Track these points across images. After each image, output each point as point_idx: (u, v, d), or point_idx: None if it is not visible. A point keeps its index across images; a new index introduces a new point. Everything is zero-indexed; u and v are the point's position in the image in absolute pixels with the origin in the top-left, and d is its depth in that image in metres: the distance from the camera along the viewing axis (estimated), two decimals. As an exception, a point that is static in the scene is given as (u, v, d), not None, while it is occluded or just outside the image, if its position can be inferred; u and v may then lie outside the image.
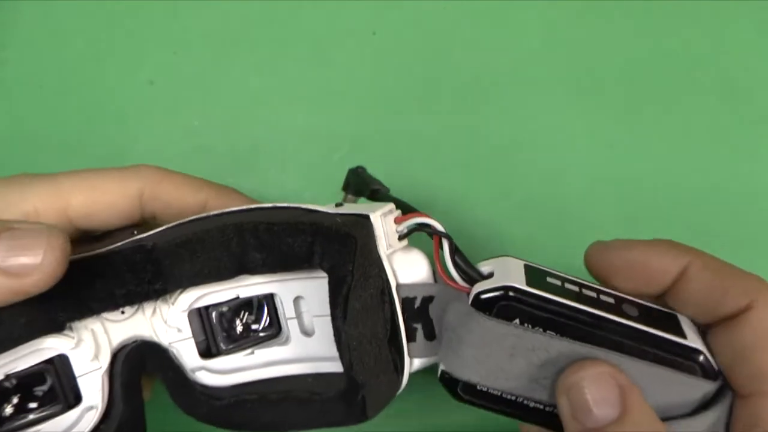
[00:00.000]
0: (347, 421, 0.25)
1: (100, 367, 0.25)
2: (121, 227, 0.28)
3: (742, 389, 0.23)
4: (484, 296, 0.23)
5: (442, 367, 0.24)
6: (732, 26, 0.41)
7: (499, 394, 0.24)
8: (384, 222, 0.24)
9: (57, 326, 0.23)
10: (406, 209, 0.26)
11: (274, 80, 0.42)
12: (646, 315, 0.24)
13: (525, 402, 0.24)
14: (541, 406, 0.24)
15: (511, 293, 0.23)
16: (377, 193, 0.29)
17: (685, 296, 0.24)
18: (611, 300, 0.24)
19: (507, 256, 0.26)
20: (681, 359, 0.22)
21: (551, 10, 0.41)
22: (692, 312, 0.25)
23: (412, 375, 0.25)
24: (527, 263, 0.25)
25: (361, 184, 0.30)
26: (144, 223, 0.29)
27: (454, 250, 0.24)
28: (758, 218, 0.40)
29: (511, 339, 0.22)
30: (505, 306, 0.23)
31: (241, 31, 0.42)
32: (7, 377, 0.23)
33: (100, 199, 0.27)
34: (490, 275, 0.24)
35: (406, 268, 0.25)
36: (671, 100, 0.41)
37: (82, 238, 0.28)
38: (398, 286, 0.24)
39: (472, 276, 0.24)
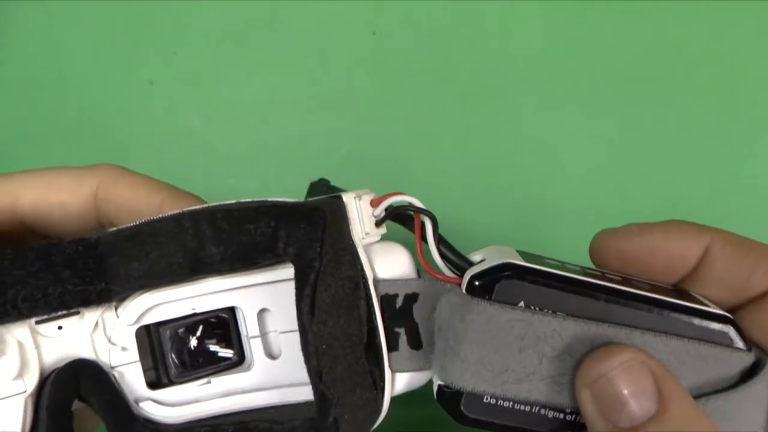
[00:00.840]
0: None
1: (25, 391, 0.20)
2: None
3: None
4: (479, 279, 0.20)
5: (438, 381, 0.21)
6: (732, 26, 0.41)
7: (510, 405, 0.20)
8: (358, 204, 0.21)
9: None
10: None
11: (274, 80, 0.42)
12: (658, 290, 0.21)
13: (542, 412, 0.20)
14: (562, 415, 0.20)
15: (509, 271, 0.20)
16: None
17: (708, 279, 0.22)
18: (617, 277, 0.22)
19: (496, 245, 0.23)
20: (710, 329, 0.20)
21: (551, 11, 0.41)
22: (716, 295, 0.22)
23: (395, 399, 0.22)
24: (520, 250, 0.22)
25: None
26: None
27: (438, 237, 0.21)
28: (758, 218, 0.40)
29: (518, 327, 0.19)
30: (506, 285, 0.19)
31: (241, 31, 0.42)
32: None
33: (51, 197, 0.25)
34: (482, 262, 0.21)
35: (385, 261, 0.22)
36: (671, 99, 0.41)
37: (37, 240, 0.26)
38: (376, 281, 0.21)
39: (460, 265, 0.21)
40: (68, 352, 0.21)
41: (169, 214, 0.21)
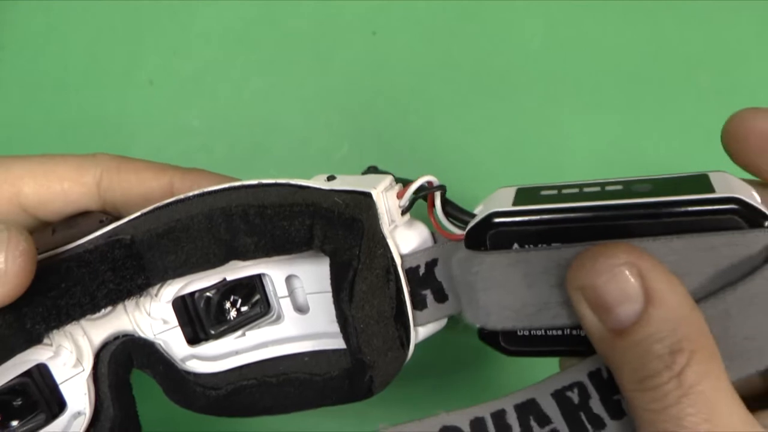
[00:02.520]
0: (351, 400, 0.23)
1: (83, 371, 0.23)
2: (84, 213, 0.26)
3: None
4: (473, 234, 0.21)
5: (476, 324, 0.22)
6: (732, 26, 0.41)
7: (543, 333, 0.21)
8: (386, 198, 0.23)
9: (35, 339, 0.21)
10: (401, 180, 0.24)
11: (274, 80, 0.42)
12: (662, 186, 0.21)
13: (575, 332, 0.21)
14: None
15: (495, 219, 0.21)
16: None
17: None
18: (618, 186, 0.21)
19: (501, 187, 0.24)
20: (712, 216, 0.19)
21: (551, 10, 0.41)
22: None
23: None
24: (521, 186, 0.23)
25: None
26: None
27: (444, 201, 0.23)
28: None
29: (519, 267, 0.20)
30: (495, 234, 0.21)
31: (241, 31, 0.42)
32: None
33: (54, 186, 0.25)
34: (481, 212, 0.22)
35: (406, 237, 0.24)
36: (671, 99, 0.41)
37: (40, 227, 0.26)
38: (401, 257, 0.23)
39: (465, 220, 0.23)
40: (114, 329, 0.23)
41: (199, 210, 0.22)
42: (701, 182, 0.20)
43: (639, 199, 0.20)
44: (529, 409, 0.21)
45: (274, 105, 0.41)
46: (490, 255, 0.21)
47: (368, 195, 0.22)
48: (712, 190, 0.19)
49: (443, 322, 0.24)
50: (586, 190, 0.21)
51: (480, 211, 0.22)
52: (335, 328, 0.23)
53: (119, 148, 0.42)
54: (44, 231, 0.25)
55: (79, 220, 0.25)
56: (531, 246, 0.20)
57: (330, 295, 0.22)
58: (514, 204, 0.21)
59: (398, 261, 0.23)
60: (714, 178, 0.20)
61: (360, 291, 0.22)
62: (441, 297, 0.24)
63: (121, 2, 0.42)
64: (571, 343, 0.21)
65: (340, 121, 0.41)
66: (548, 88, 0.41)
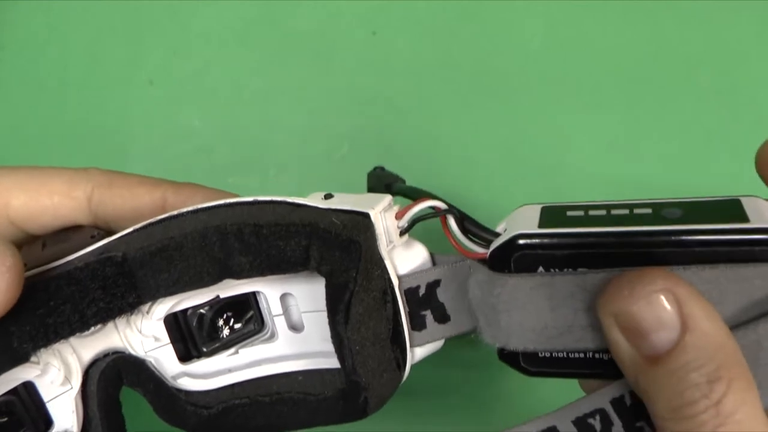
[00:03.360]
0: (345, 420, 0.23)
1: (72, 388, 0.22)
2: (75, 227, 0.25)
3: None
4: (497, 255, 0.21)
5: (496, 344, 0.22)
6: (732, 26, 0.41)
7: (565, 355, 0.21)
8: (384, 218, 0.22)
9: (21, 357, 0.20)
10: (411, 191, 0.24)
11: (274, 80, 0.42)
12: (694, 211, 0.20)
13: (598, 356, 0.20)
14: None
15: (520, 241, 0.20)
16: (391, 188, 0.27)
17: None
18: (647, 210, 0.21)
19: (524, 205, 0.23)
20: (747, 246, 0.18)
21: (551, 10, 0.41)
22: None
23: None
24: (546, 205, 0.23)
25: (381, 186, 0.28)
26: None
27: (462, 219, 0.22)
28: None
29: (543, 290, 0.20)
30: (520, 257, 0.20)
31: (241, 31, 0.42)
32: None
33: (43, 200, 0.24)
34: (503, 234, 0.22)
35: (405, 259, 0.23)
36: (671, 99, 0.41)
37: (28, 240, 0.26)
38: (399, 278, 0.23)
39: (487, 239, 0.22)
40: (104, 346, 0.23)
41: (193, 228, 0.21)
42: (734, 209, 0.20)
43: (669, 226, 0.19)
44: None
45: (274, 105, 0.41)
46: (514, 277, 0.20)
47: (366, 216, 0.22)
48: (746, 219, 0.19)
49: (441, 342, 0.24)
50: (614, 212, 0.21)
51: (503, 230, 0.22)
52: (329, 347, 0.22)
53: (119, 148, 0.42)
54: (34, 245, 0.24)
55: (70, 234, 0.25)
56: (556, 270, 0.20)
57: (325, 314, 0.22)
58: (540, 225, 0.21)
59: (395, 282, 0.22)
60: (747, 205, 0.20)
61: (356, 313, 0.21)
62: (442, 318, 0.23)
63: (121, 2, 0.42)
64: (593, 367, 0.21)
65: (340, 121, 0.41)
66: (548, 88, 0.41)
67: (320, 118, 0.41)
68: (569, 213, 0.21)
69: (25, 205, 0.24)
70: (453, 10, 0.41)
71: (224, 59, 0.42)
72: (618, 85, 0.41)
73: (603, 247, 0.19)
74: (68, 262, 0.21)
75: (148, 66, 0.42)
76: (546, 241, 0.20)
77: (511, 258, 0.20)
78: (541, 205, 0.22)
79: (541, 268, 0.20)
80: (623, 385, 0.20)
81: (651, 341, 0.18)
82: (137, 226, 0.22)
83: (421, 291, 0.23)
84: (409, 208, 0.23)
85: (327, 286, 0.22)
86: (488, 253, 0.21)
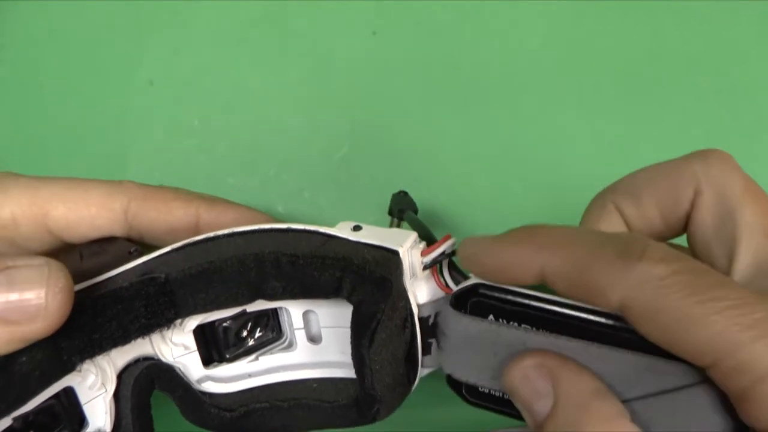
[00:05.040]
0: (354, 425, 0.25)
1: (106, 392, 0.24)
2: (110, 238, 0.27)
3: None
4: (457, 297, 0.23)
5: (445, 371, 0.25)
6: (732, 26, 0.41)
7: (501, 395, 0.24)
8: (410, 255, 0.24)
9: (69, 369, 0.22)
10: (425, 234, 0.26)
11: (274, 80, 0.42)
12: None
13: None
14: None
15: (480, 289, 0.23)
16: (402, 213, 0.30)
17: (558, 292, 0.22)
18: None
19: None
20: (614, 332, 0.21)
21: (551, 10, 0.41)
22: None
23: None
24: None
25: (396, 208, 0.32)
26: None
27: (450, 263, 0.25)
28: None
29: (489, 335, 0.22)
30: (476, 302, 0.23)
31: (241, 31, 0.42)
32: (16, 419, 0.22)
33: (82, 211, 0.26)
34: (468, 278, 0.24)
35: (423, 289, 0.25)
36: (671, 99, 0.41)
37: (63, 249, 0.27)
38: (417, 307, 0.25)
39: (457, 279, 0.25)
40: (136, 353, 0.25)
41: (232, 254, 0.23)
42: None
43: (595, 316, 0.21)
44: None
45: (274, 105, 0.41)
46: (466, 318, 0.23)
47: (396, 253, 0.24)
48: None
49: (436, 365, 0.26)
50: None
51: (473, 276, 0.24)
52: (344, 358, 0.24)
53: (119, 148, 0.42)
54: (71, 255, 0.26)
55: (106, 246, 0.26)
56: (504, 321, 0.22)
57: (343, 329, 0.24)
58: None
59: (416, 311, 0.24)
60: None
61: (380, 338, 0.23)
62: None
63: (121, 2, 0.42)
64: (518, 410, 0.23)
65: (340, 121, 0.41)
66: (548, 88, 0.41)
67: (320, 118, 0.41)
68: None
69: (64, 215, 0.26)
70: (453, 10, 0.41)
71: (224, 59, 0.42)
72: (618, 85, 0.41)
73: (549, 313, 0.22)
74: (112, 279, 0.23)
75: (148, 66, 0.42)
76: (498, 295, 0.22)
77: (468, 302, 0.23)
78: None
79: (491, 316, 0.22)
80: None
81: (534, 412, 0.21)
82: (176, 246, 0.24)
83: (431, 320, 0.25)
84: (433, 249, 0.25)
85: (355, 313, 0.23)
86: (453, 293, 0.24)
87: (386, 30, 0.41)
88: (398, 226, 0.31)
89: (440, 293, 0.25)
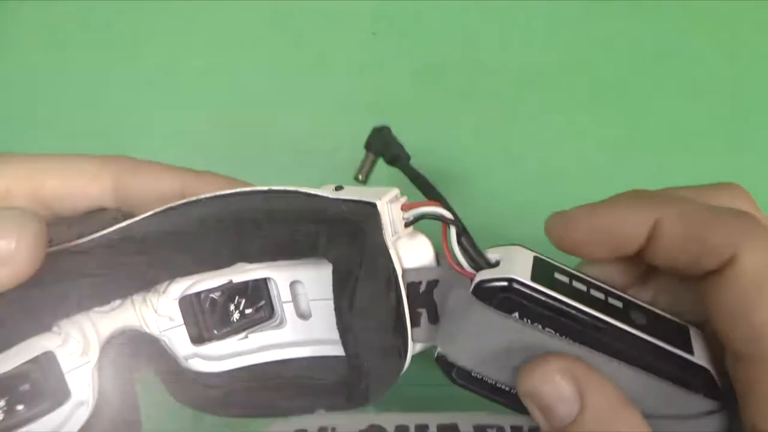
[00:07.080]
0: (348, 406, 0.24)
1: (89, 362, 0.23)
2: (100, 209, 0.27)
3: (738, 350, 0.21)
4: (486, 285, 0.22)
5: (439, 349, 0.24)
6: (732, 26, 0.41)
7: (493, 383, 0.23)
8: (390, 209, 0.23)
9: (44, 327, 0.22)
10: (423, 185, 0.25)
11: (274, 80, 0.42)
12: (654, 324, 0.23)
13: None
14: None
15: (514, 285, 0.22)
16: (396, 160, 0.28)
17: (661, 253, 0.22)
18: (619, 303, 0.23)
19: (518, 245, 0.25)
20: (684, 375, 0.22)
21: (553, 11, 0.41)
22: (673, 266, 0.23)
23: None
24: (538, 255, 0.24)
25: (384, 145, 0.29)
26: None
27: (461, 234, 0.24)
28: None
29: (509, 332, 0.22)
30: (506, 298, 0.22)
31: (242, 31, 0.42)
32: None
33: (74, 182, 0.26)
34: (497, 264, 0.23)
35: (411, 253, 0.24)
36: (671, 99, 0.41)
37: (57, 220, 0.27)
38: (403, 271, 0.24)
39: (478, 262, 0.24)
40: (121, 323, 0.24)
41: (210, 212, 0.23)
42: (683, 336, 0.23)
43: (631, 328, 0.22)
44: (449, 431, 0.24)
45: (274, 105, 0.41)
46: (491, 311, 0.22)
47: (373, 205, 0.23)
48: (691, 350, 0.22)
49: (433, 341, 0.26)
50: (593, 292, 0.23)
51: (495, 261, 0.24)
52: (335, 335, 0.23)
53: (119, 148, 0.42)
54: (59, 224, 0.25)
55: (96, 215, 0.26)
56: (529, 321, 0.22)
57: (332, 302, 0.23)
58: (533, 277, 0.22)
59: (399, 272, 0.23)
60: (693, 335, 0.23)
61: (360, 299, 0.22)
62: (434, 319, 0.24)
63: (121, 2, 0.42)
64: (510, 401, 0.23)
65: (340, 121, 0.41)
66: (548, 88, 0.41)
67: (320, 118, 0.41)
68: (557, 276, 0.23)
69: (57, 187, 0.26)
70: (453, 10, 0.41)
71: (224, 59, 0.42)
72: (619, 85, 0.41)
73: (577, 322, 0.22)
74: (91, 239, 0.23)
75: (148, 66, 0.42)
76: (534, 294, 0.22)
77: (498, 296, 0.22)
78: (533, 254, 0.24)
79: (516, 314, 0.22)
80: (527, 418, 0.23)
81: (556, 416, 0.21)
82: (157, 210, 0.23)
83: (422, 288, 0.24)
84: (417, 205, 0.24)
85: (333, 272, 0.22)
86: (477, 280, 0.23)
87: (386, 30, 0.41)
88: (372, 164, 0.30)
89: (430, 259, 0.24)
